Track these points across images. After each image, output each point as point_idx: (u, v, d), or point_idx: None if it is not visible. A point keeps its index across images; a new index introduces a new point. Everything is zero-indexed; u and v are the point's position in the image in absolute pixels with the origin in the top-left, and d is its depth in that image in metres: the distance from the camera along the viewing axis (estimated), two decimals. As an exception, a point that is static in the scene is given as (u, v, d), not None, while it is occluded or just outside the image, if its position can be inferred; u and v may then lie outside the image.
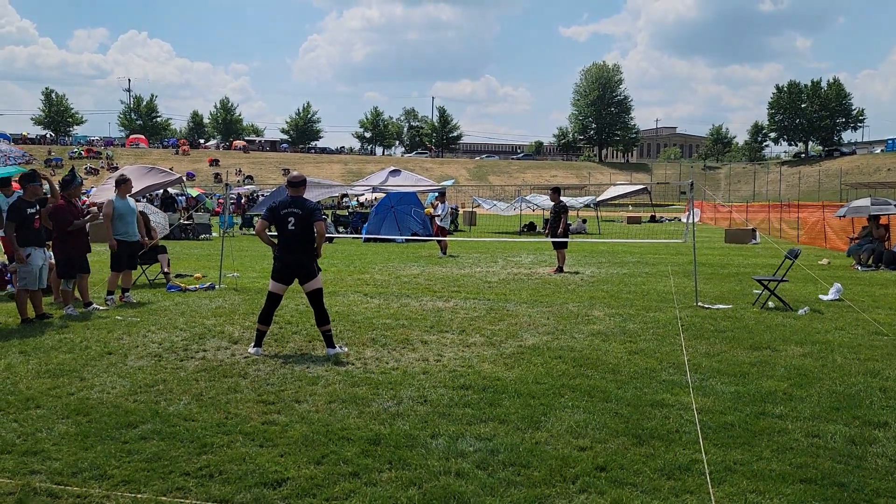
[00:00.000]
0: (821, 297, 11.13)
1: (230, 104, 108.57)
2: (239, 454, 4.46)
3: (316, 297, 7.25)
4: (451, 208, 35.74)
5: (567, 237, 15.29)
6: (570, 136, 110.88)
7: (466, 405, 5.48)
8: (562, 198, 15.59)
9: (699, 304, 10.39)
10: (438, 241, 19.01)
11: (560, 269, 14.71)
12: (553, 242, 15.05)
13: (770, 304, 10.22)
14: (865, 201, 18.03)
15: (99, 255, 10.58)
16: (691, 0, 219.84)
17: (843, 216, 18.86)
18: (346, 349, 7.35)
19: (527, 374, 6.39)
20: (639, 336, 8.14)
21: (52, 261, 9.74)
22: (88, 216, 9.53)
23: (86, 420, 5.06)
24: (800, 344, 7.74)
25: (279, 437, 4.77)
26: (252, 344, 7.33)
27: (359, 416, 5.21)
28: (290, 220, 7.13)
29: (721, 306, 10.24)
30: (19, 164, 12.60)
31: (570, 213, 39.44)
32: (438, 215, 19.57)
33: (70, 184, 9.79)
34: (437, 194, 21.82)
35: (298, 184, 7.38)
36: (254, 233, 28.58)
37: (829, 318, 9.32)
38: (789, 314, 9.64)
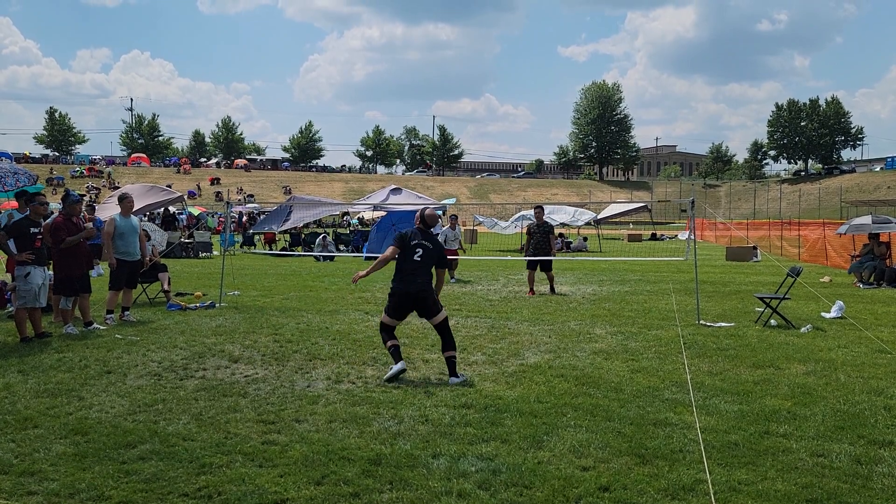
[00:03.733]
0: (823, 314, 11.09)
1: (232, 123, 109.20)
2: (238, 474, 4.42)
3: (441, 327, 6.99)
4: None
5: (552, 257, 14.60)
6: (571, 154, 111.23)
7: (468, 424, 5.44)
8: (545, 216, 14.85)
9: (701, 322, 10.35)
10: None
11: (553, 289, 14.31)
12: (542, 264, 14.26)
13: (772, 321, 10.18)
14: (867, 219, 18.01)
15: (99, 274, 10.58)
16: (689, 20, 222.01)
17: (845, 233, 18.84)
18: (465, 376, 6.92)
19: (528, 393, 6.35)
20: (641, 354, 8.09)
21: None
22: (83, 232, 9.50)
23: (84, 440, 5.02)
24: (803, 362, 7.70)
25: (279, 457, 4.72)
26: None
27: (359, 436, 5.16)
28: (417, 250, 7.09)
29: (723, 324, 10.20)
30: (29, 182, 12.61)
31: (571, 230, 39.75)
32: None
33: (66, 199, 9.78)
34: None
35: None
36: (255, 251, 28.59)
37: (832, 336, 9.28)
38: (792, 332, 9.59)
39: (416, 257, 7.03)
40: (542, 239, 14.38)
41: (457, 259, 17.51)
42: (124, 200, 10.68)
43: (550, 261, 14.39)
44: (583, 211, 35.26)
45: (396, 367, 6.83)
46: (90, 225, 9.92)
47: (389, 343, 7.02)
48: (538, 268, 14.38)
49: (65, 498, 4.09)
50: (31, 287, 8.69)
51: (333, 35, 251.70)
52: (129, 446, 4.90)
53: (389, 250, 7.17)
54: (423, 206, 7.70)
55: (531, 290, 14.26)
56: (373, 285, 15.54)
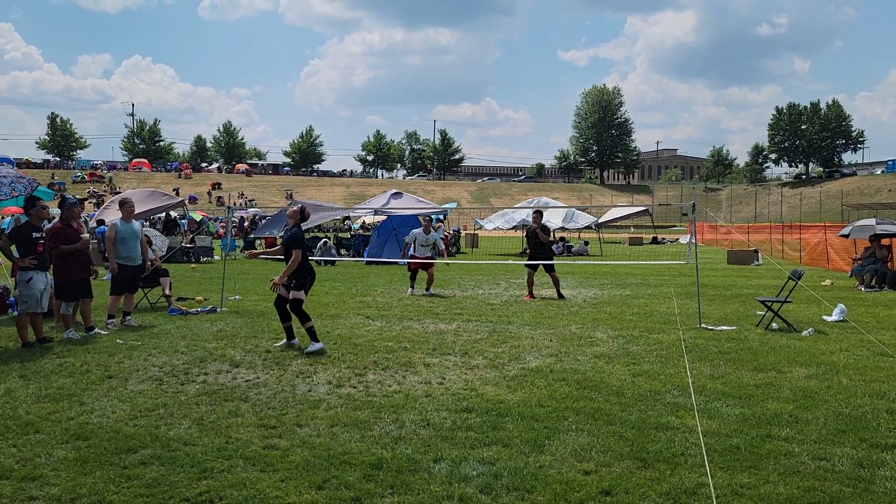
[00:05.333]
0: (825, 318, 11.08)
1: (233, 128, 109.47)
2: (239, 479, 4.41)
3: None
4: (453, 231, 35.84)
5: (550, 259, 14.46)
6: (572, 158, 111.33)
7: (469, 428, 5.43)
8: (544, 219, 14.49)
9: (703, 325, 10.33)
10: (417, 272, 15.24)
11: (559, 294, 14.08)
12: (545, 266, 14.17)
13: (774, 325, 10.17)
14: (870, 221, 17.99)
15: (100, 279, 10.58)
16: (689, 24, 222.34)
17: (849, 236, 18.78)
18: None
19: (530, 397, 6.34)
20: (642, 358, 8.08)
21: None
22: (78, 243, 9.49)
23: (85, 445, 5.02)
24: (805, 365, 7.69)
25: (280, 461, 4.72)
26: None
27: (361, 440, 5.16)
28: None
29: (725, 328, 10.19)
30: (26, 190, 12.41)
31: (572, 234, 39.75)
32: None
33: (63, 204, 9.78)
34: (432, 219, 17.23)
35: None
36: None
37: (834, 340, 9.27)
38: (793, 335, 9.58)
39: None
40: (536, 241, 14.28)
41: (431, 267, 15.00)
42: (125, 205, 10.69)
43: (552, 263, 14.24)
44: (580, 214, 35.19)
45: (320, 346, 8.37)
46: (86, 236, 9.91)
47: (311, 324, 8.51)
48: (538, 269, 14.30)
49: (66, 503, 4.09)
50: (32, 292, 8.69)
51: (334, 40, 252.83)
52: (130, 451, 4.90)
53: (298, 253, 8.43)
54: (301, 204, 9.18)
55: (530, 293, 14.17)
56: (374, 290, 15.54)
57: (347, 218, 45.02)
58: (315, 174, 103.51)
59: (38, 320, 8.91)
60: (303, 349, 8.38)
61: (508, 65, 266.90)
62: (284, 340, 8.75)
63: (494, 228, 35.91)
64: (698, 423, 5.55)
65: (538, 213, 14.69)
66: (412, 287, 14.91)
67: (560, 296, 14.02)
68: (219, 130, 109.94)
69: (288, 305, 8.56)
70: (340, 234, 36.43)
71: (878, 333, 9.74)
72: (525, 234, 14.82)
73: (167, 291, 12.12)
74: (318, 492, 4.25)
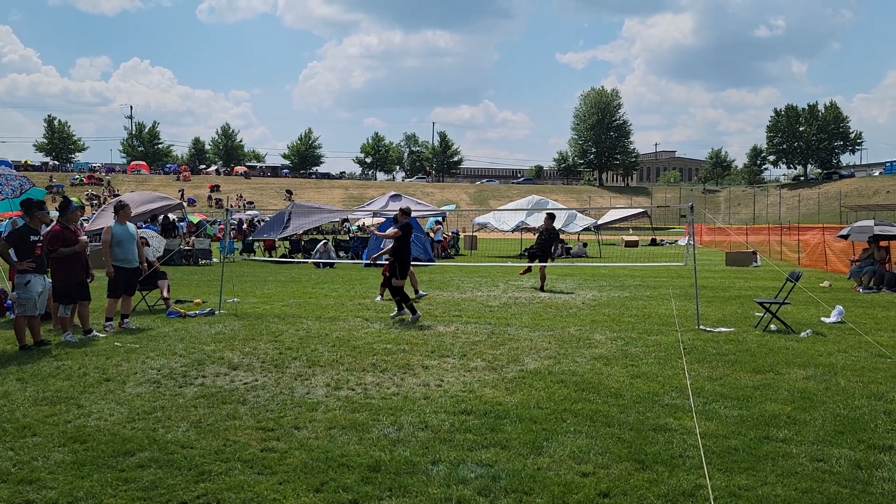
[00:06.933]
0: (823, 319, 11.08)
1: (231, 130, 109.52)
2: (237, 482, 4.41)
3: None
4: (452, 233, 35.83)
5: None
6: (570, 160, 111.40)
7: (467, 431, 5.43)
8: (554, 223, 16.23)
9: (701, 327, 10.34)
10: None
11: (542, 287, 15.49)
12: (541, 259, 15.56)
13: (772, 326, 10.17)
14: (869, 223, 18.01)
15: (99, 282, 10.58)
16: (687, 27, 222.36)
17: (847, 237, 18.78)
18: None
19: (528, 399, 6.34)
20: (641, 360, 8.08)
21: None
22: (76, 245, 9.47)
23: (82, 448, 5.01)
24: (803, 367, 7.69)
25: (278, 464, 4.72)
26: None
27: (359, 443, 5.15)
28: None
29: (723, 329, 10.19)
30: (13, 194, 12.22)
31: (571, 237, 39.75)
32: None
33: (66, 209, 9.77)
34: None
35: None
36: (254, 258, 28.57)
37: (832, 341, 9.27)
38: (792, 337, 9.59)
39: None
40: (544, 242, 15.74)
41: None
42: (122, 209, 10.67)
43: (546, 258, 15.67)
44: (580, 216, 35.07)
45: (418, 315, 10.99)
46: (84, 238, 9.90)
47: (410, 301, 11.26)
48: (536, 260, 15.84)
49: (63, 506, 4.08)
50: (30, 295, 8.68)
51: (332, 42, 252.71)
52: (127, 454, 4.89)
53: (406, 240, 11.43)
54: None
55: (541, 287, 15.67)
56: (373, 292, 15.54)
57: (346, 220, 44.99)
58: (314, 176, 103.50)
59: (36, 323, 8.90)
60: (398, 319, 11.16)
61: (507, 67, 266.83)
62: (396, 311, 11.40)
63: (505, 224, 34.61)
64: (696, 424, 5.55)
65: (550, 217, 16.08)
66: (381, 294, 14.32)
67: (542, 289, 15.54)
68: (217, 133, 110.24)
69: (391, 290, 11.44)
70: (339, 237, 36.44)
71: (876, 335, 9.74)
72: (538, 231, 16.30)
73: (165, 294, 12.11)
74: (315, 494, 4.24)
